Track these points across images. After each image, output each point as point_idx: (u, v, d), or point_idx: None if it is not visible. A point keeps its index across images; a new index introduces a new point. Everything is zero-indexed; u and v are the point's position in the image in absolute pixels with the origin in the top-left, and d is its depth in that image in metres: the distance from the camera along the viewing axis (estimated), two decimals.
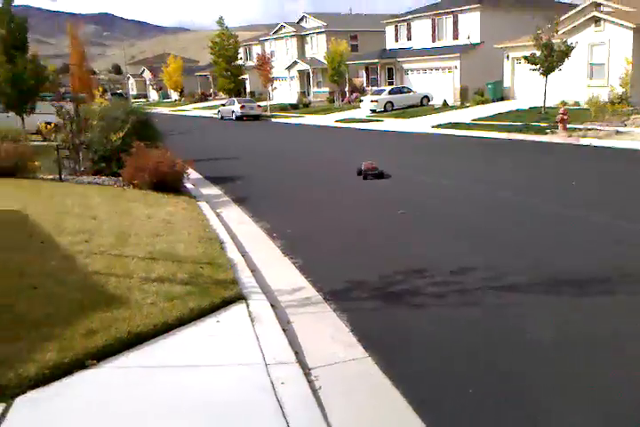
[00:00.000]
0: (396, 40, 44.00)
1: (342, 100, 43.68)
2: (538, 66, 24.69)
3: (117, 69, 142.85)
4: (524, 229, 8.18)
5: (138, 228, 7.66)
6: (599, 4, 29.52)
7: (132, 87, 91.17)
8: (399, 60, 40.87)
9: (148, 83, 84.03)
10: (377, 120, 31.23)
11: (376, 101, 35.42)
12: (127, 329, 4.49)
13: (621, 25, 25.25)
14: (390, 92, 36.50)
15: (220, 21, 51.90)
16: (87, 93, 30.38)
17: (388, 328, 4.99)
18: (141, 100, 78.56)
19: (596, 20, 26.60)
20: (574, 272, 6.17)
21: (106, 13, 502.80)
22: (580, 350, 4.46)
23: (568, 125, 19.63)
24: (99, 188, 11.07)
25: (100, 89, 16.68)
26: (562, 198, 9.98)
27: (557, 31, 24.89)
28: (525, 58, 25.47)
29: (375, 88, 40.36)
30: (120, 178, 11.50)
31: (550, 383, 3.99)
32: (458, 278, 6.07)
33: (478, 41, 36.17)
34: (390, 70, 42.33)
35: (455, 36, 38.11)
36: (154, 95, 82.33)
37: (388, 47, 44.42)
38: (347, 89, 45.18)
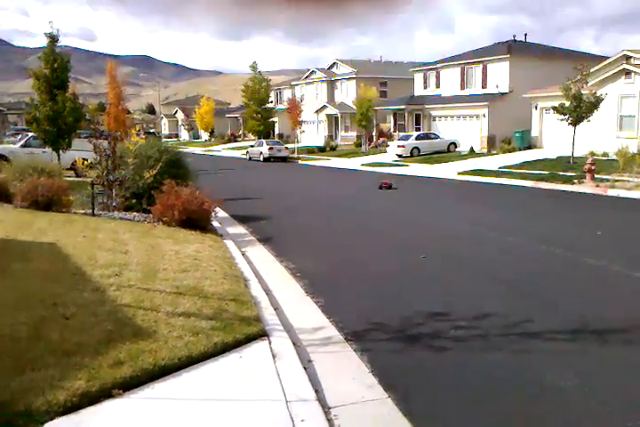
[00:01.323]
0: (425, 87, 44.81)
1: (369, 145, 44.27)
2: (567, 116, 24.86)
3: (151, 109, 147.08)
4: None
5: (166, 263, 7.85)
6: (629, 57, 29.88)
7: (165, 127, 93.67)
8: (427, 106, 41.50)
9: (180, 123, 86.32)
10: (403, 165, 31.53)
11: (403, 146, 35.85)
12: (153, 361, 4.61)
13: None
14: (417, 138, 36.94)
15: (254, 66, 53.49)
16: (122, 132, 31.41)
17: (408, 370, 5.02)
18: (173, 139, 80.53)
19: (627, 73, 26.86)
20: (590, 318, 6.15)
21: (145, 56, 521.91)
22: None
23: (596, 176, 19.64)
24: (129, 223, 11.35)
25: (138, 128, 17.33)
26: (584, 247, 9.95)
27: (587, 82, 25.15)
28: (554, 108, 25.70)
29: (402, 133, 40.88)
30: (150, 214, 11.80)
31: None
32: (478, 323, 6.09)
33: (507, 90, 36.66)
34: (418, 116, 42.95)
35: (484, 85, 38.70)
36: (185, 135, 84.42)
37: (416, 94, 45.21)
38: (374, 134, 45.84)
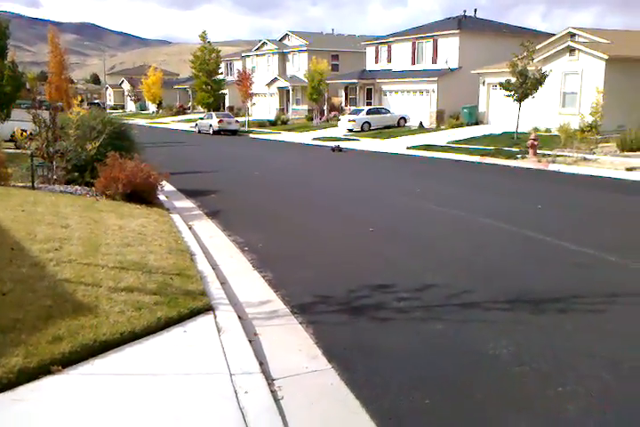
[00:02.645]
0: (376, 61, 44.74)
1: (320, 119, 44.08)
2: (512, 92, 25.34)
3: (96, 79, 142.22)
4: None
5: (109, 238, 7.68)
6: (574, 35, 30.50)
7: (110, 98, 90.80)
8: (378, 81, 41.52)
9: (126, 94, 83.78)
10: (354, 139, 31.60)
11: (354, 121, 35.88)
12: (93, 337, 4.54)
13: (595, 55, 26.08)
14: (368, 113, 37.02)
15: (203, 35, 52.16)
16: (64, 102, 30.27)
17: (352, 341, 5.11)
18: (119, 110, 78.28)
19: (571, 50, 27.43)
20: (526, 288, 6.38)
21: (89, 23, 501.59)
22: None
23: (538, 151, 20.17)
24: (71, 197, 11.03)
25: (79, 98, 16.60)
26: (524, 220, 10.25)
27: (533, 59, 25.61)
28: (500, 84, 26.15)
29: (353, 108, 40.88)
30: (93, 188, 11.49)
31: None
32: (420, 294, 6.24)
33: (456, 66, 36.97)
34: (369, 91, 42.96)
35: (434, 60, 38.91)
36: (131, 106, 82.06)
37: (368, 68, 45.12)
38: (325, 107, 45.64)
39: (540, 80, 24.96)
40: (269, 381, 4.29)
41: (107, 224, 8.53)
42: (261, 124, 45.13)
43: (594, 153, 20.45)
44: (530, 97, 25.35)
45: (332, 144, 27.82)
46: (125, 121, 16.38)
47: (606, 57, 25.55)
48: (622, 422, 3.89)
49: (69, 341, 4.41)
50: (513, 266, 7.54)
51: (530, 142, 19.99)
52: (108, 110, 55.29)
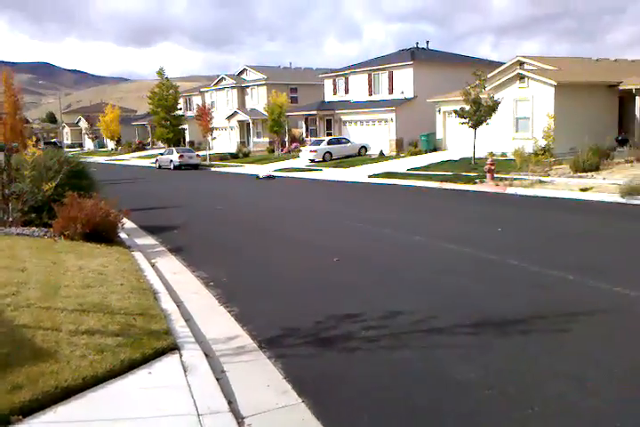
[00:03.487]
0: (335, 93, 45.48)
1: (282, 150, 44.39)
2: (467, 119, 26.04)
3: (52, 118, 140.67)
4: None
5: (68, 279, 7.50)
6: (523, 63, 31.63)
7: (67, 136, 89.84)
8: (337, 111, 42.16)
9: (83, 132, 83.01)
10: (316, 169, 31.85)
11: (315, 151, 36.22)
12: (55, 383, 4.38)
13: (544, 82, 27.01)
14: (329, 143, 37.44)
15: (161, 72, 52.42)
16: (20, 142, 29.78)
17: (321, 373, 5.05)
18: (76, 149, 77.43)
19: (521, 78, 28.36)
20: (490, 311, 6.44)
21: (44, 62, 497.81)
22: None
23: (495, 175, 20.65)
24: (28, 239, 10.75)
25: (34, 138, 16.30)
26: (485, 243, 10.41)
27: (485, 87, 26.43)
28: (455, 112, 26.84)
29: (314, 138, 41.31)
30: (51, 229, 11.25)
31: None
32: (387, 322, 6.23)
33: (412, 95, 37.84)
34: (329, 121, 43.53)
35: (390, 91, 39.77)
36: (89, 144, 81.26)
37: (326, 99, 45.80)
38: (286, 139, 45.99)
39: (492, 107, 25.74)
40: (239, 420, 4.19)
41: (66, 266, 8.33)
42: (223, 157, 45.17)
43: (549, 175, 21.03)
44: (484, 123, 26.08)
45: (263, 174, 28.68)
46: (83, 159, 16.19)
47: (555, 83, 26.48)
48: None
49: (29, 389, 4.25)
50: (476, 289, 7.60)
51: (487, 167, 20.47)
52: (66, 149, 54.61)
